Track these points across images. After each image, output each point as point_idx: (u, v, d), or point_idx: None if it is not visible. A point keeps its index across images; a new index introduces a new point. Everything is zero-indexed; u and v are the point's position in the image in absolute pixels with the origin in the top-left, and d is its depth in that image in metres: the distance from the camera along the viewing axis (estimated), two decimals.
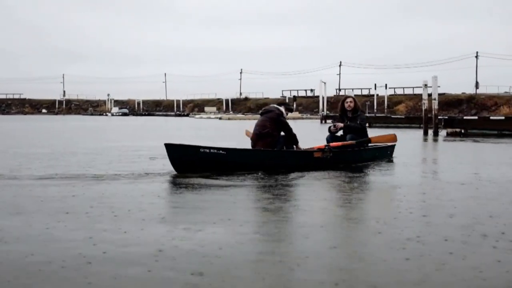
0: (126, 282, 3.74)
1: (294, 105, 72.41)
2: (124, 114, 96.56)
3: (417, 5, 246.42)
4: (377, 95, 69.06)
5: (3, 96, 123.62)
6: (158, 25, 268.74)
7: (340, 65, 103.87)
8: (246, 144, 11.73)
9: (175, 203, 7.02)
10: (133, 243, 4.71)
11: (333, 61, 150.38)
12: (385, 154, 12.67)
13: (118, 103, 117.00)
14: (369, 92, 77.22)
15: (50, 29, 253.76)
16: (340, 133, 12.14)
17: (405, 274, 3.91)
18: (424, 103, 29.10)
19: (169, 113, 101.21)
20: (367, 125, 12.77)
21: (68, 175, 9.31)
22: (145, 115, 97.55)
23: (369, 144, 12.21)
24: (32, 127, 37.26)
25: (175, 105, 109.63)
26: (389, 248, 4.58)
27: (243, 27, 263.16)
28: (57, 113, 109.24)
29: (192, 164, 9.47)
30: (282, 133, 10.95)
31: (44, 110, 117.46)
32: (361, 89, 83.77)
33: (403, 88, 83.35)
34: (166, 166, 10.19)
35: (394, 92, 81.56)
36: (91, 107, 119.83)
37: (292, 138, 10.93)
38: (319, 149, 10.85)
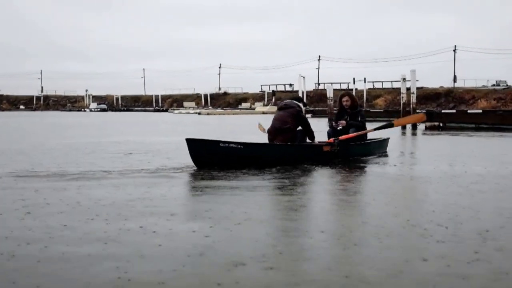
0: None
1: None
2: (103, 110, 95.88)
3: None
4: (356, 89, 69.29)
5: None
6: (137, 21, 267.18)
7: (319, 60, 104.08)
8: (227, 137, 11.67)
9: (194, 201, 6.94)
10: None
11: (312, 55, 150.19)
12: (384, 147, 12.90)
13: (96, 98, 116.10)
14: (348, 86, 77.30)
15: (25, 24, 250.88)
16: (339, 128, 12.09)
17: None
18: (402, 97, 29.23)
19: (147, 108, 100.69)
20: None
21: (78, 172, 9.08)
22: (123, 110, 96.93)
23: (369, 138, 12.45)
24: (18, 122, 36.84)
25: (154, 100, 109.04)
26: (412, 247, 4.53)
27: (221, 22, 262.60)
28: (35, 109, 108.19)
29: (212, 159, 9.53)
30: (298, 128, 11.21)
31: (22, 107, 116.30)
32: (340, 83, 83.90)
33: (382, 82, 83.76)
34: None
35: (373, 86, 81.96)
36: (69, 103, 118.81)
37: (310, 133, 11.25)
38: (328, 143, 11.08)
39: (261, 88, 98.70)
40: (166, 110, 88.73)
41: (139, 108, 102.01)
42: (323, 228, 5.16)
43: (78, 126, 31.01)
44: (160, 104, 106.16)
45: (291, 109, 11.09)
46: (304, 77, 55.87)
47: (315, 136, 11.36)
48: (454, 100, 65.65)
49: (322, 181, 8.62)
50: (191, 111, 76.38)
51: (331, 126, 12.38)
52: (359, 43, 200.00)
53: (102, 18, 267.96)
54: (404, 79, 29.29)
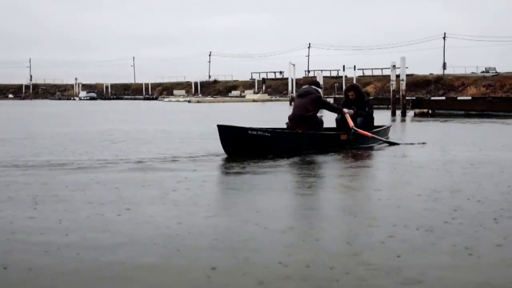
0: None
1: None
2: (92, 98, 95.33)
3: None
4: (346, 76, 69.16)
5: None
6: (127, 9, 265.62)
7: (309, 47, 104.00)
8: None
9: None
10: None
11: (302, 43, 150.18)
12: (386, 134, 13.01)
13: (86, 87, 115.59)
14: (338, 73, 77.44)
15: (13, 11, 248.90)
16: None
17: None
18: (392, 84, 29.28)
19: (137, 96, 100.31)
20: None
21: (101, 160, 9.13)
22: (113, 99, 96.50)
23: (374, 126, 12.50)
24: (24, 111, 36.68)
25: (143, 89, 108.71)
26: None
27: (212, 10, 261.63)
28: (23, 98, 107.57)
29: (241, 146, 9.63)
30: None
31: (10, 95, 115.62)
32: (330, 70, 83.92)
33: (372, 69, 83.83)
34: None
35: (363, 73, 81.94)
36: (58, 92, 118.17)
37: (335, 110, 11.58)
38: (346, 132, 11.22)
39: (251, 76, 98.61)
40: (156, 99, 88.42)
41: (129, 97, 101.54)
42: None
43: (88, 115, 30.87)
44: (150, 93, 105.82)
45: (311, 95, 11.05)
46: (294, 65, 55.93)
47: (339, 108, 11.65)
48: (443, 87, 65.90)
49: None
50: (181, 99, 76.18)
51: (340, 112, 12.06)
52: (349, 31, 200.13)
53: (93, 5, 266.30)
54: (394, 66, 29.32)
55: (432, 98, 31.29)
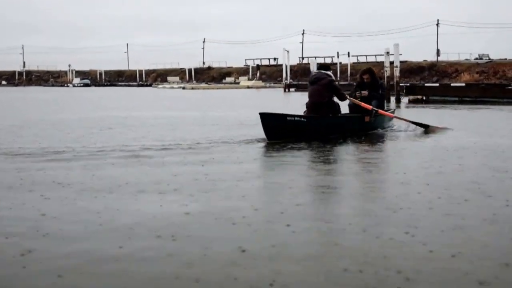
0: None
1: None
2: (86, 85, 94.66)
3: None
4: (340, 63, 69.34)
5: None
6: None
7: (303, 34, 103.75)
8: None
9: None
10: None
11: (296, 29, 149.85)
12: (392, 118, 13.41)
13: (79, 73, 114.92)
14: (332, 60, 77.25)
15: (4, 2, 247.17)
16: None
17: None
18: (386, 71, 29.39)
19: (131, 83, 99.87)
20: None
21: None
22: (107, 85, 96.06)
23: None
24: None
25: (137, 75, 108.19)
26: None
27: None
28: (17, 85, 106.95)
29: (281, 132, 10.22)
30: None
31: (4, 82, 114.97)
32: (324, 57, 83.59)
33: (366, 56, 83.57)
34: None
35: (357, 60, 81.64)
36: (52, 78, 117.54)
37: (341, 96, 11.45)
38: (369, 114, 11.66)
39: (246, 63, 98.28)
40: (150, 85, 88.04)
41: (123, 83, 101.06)
42: None
43: (86, 101, 30.86)
44: (144, 79, 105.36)
45: (323, 81, 11.10)
46: (288, 51, 55.88)
47: (345, 95, 11.68)
48: (437, 74, 65.84)
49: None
50: (175, 85, 75.97)
51: (354, 96, 12.24)
52: (342, 18, 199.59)
53: None
54: (387, 52, 29.42)
55: (426, 84, 31.36)
